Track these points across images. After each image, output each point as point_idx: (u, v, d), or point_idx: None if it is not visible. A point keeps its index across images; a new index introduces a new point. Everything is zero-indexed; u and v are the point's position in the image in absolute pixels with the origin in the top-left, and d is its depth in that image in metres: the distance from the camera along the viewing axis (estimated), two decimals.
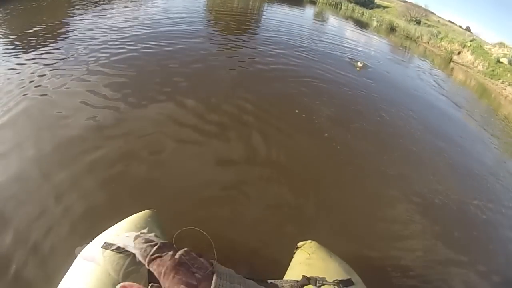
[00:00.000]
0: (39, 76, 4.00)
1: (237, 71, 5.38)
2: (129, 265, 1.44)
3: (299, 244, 1.92)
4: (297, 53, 7.02)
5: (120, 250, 1.44)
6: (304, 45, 8.11)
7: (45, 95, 3.63)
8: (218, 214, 2.55)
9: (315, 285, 1.41)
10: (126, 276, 1.40)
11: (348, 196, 3.16)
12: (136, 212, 1.80)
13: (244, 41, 7.28)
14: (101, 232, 1.65)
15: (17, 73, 4.06)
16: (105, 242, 1.50)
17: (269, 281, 1.48)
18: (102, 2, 8.71)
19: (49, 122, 3.21)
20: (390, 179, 3.59)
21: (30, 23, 5.99)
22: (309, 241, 1.89)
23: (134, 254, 1.40)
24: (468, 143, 5.57)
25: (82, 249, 1.58)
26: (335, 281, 1.43)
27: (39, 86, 3.78)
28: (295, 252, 1.88)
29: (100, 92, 3.81)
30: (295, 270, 1.71)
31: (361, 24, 17.68)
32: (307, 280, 1.43)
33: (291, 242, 1.94)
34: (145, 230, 1.54)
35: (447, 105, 7.54)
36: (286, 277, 1.64)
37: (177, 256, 1.14)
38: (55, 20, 6.57)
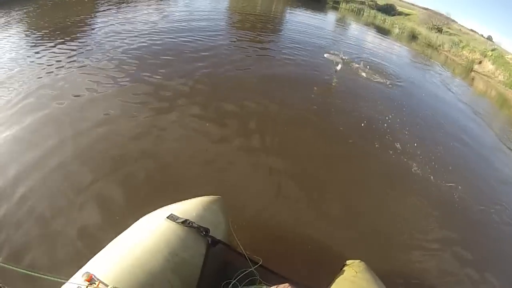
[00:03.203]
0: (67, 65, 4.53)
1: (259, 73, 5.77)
2: (189, 238, 1.54)
3: (348, 262, 2.00)
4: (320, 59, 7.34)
5: (185, 224, 1.55)
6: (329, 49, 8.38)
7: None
8: (280, 218, 2.75)
9: None
10: (186, 248, 1.50)
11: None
12: (204, 195, 1.92)
13: (265, 42, 7.69)
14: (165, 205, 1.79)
15: (40, 62, 4.61)
16: (171, 214, 1.60)
17: None
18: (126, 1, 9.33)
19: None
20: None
21: (58, 17, 6.60)
22: (358, 260, 1.98)
23: (196, 229, 1.55)
24: (487, 152, 5.75)
25: (145, 215, 1.71)
26: None
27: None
28: (342, 268, 1.95)
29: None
30: (339, 284, 1.77)
31: (383, 31, 17.81)
32: None
33: (339, 257, 2.08)
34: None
35: (466, 113, 7.70)
36: None
37: None
38: (85, 15, 7.23)
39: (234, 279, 1.56)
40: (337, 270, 1.96)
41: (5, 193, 2.47)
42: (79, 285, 1.18)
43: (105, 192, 2.62)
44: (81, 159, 2.92)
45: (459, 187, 3.93)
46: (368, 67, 7.83)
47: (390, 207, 3.32)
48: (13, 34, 5.71)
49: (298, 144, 3.91)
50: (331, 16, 17.83)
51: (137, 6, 9.05)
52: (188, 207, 1.72)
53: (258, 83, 5.29)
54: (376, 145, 4.30)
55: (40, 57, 4.80)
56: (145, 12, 8.50)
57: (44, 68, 4.44)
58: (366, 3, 23.34)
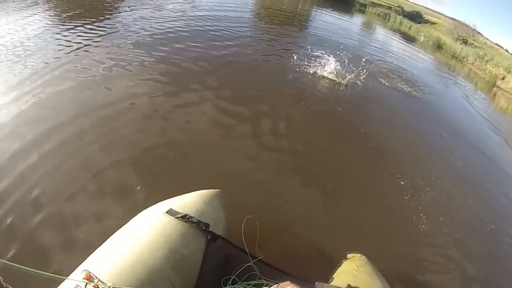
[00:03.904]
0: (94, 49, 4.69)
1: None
2: (189, 233, 1.52)
3: (348, 255, 1.99)
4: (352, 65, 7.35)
5: (185, 219, 1.52)
6: (356, 53, 8.44)
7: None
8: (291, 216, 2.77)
9: None
10: (185, 244, 1.47)
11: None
12: (204, 189, 1.89)
13: (290, 37, 7.84)
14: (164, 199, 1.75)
15: (67, 39, 4.85)
16: (170, 209, 1.57)
17: (316, 283, 1.53)
18: None
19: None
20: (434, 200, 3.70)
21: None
22: (359, 254, 1.97)
23: (196, 224, 1.53)
24: (503, 170, 5.73)
25: (144, 210, 1.68)
26: None
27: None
28: (343, 262, 1.96)
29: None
30: (340, 278, 1.76)
31: (408, 38, 17.72)
32: None
33: (340, 252, 2.09)
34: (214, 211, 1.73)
35: (486, 129, 7.69)
36: (330, 283, 1.70)
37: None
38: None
39: (234, 274, 1.57)
40: (338, 263, 1.97)
41: (28, 154, 2.65)
42: (78, 283, 1.17)
43: (118, 175, 2.68)
44: (98, 131, 3.07)
45: (472, 202, 3.95)
46: (392, 73, 7.90)
47: (400, 212, 3.34)
48: (40, 12, 5.97)
49: (318, 139, 4.06)
50: (357, 19, 17.84)
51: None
52: (188, 201, 1.71)
53: (282, 76, 5.44)
54: (396, 151, 4.40)
55: (67, 36, 5.03)
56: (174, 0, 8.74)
57: (70, 46, 4.67)
58: (393, 9, 23.17)
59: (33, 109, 3.23)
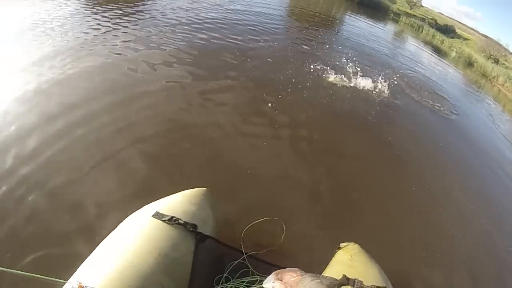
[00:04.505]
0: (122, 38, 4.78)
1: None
2: (177, 236, 1.50)
3: (341, 245, 1.98)
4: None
5: (172, 221, 1.51)
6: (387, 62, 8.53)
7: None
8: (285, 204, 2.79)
9: (353, 286, 1.43)
10: (174, 247, 1.46)
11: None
12: (189, 188, 1.87)
13: (323, 39, 7.97)
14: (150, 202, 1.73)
15: (104, 23, 5.05)
16: (157, 212, 1.55)
17: (310, 274, 1.58)
18: None
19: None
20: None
21: None
22: (352, 243, 1.96)
23: (183, 226, 1.52)
24: None
25: (131, 214, 1.65)
26: (372, 286, 1.45)
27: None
28: (336, 252, 1.95)
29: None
30: (335, 269, 1.76)
31: (439, 52, 17.49)
32: (346, 280, 1.45)
33: (333, 242, 2.07)
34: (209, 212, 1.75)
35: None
36: (324, 274, 1.64)
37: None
38: None
39: (225, 272, 1.57)
40: (331, 254, 1.97)
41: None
42: None
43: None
44: (126, 109, 3.21)
45: (493, 225, 3.93)
46: (422, 85, 7.95)
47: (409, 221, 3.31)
48: None
49: (344, 142, 4.17)
50: (390, 28, 17.79)
51: None
52: (174, 203, 1.70)
53: (314, 77, 5.58)
54: (422, 165, 4.43)
55: (105, 17, 5.29)
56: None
57: (108, 27, 4.93)
58: (426, 21, 22.88)
59: (66, 80, 3.45)
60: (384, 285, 1.59)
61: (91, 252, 1.44)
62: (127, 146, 2.78)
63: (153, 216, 1.52)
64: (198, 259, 1.52)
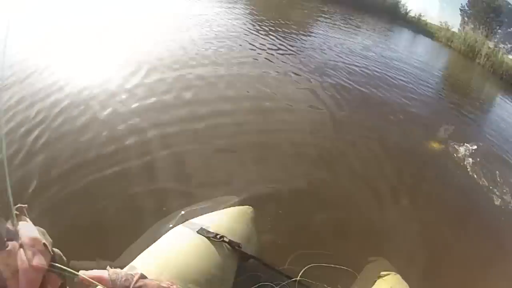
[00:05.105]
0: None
1: None
2: (221, 253, 1.49)
3: (382, 273, 1.91)
4: None
5: (216, 238, 1.49)
6: None
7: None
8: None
9: None
10: (217, 265, 1.45)
11: None
12: (234, 206, 1.89)
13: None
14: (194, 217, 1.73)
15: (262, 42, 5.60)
16: (201, 228, 1.54)
17: None
18: (349, 24, 9.78)
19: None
20: None
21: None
22: (393, 273, 1.90)
23: (227, 244, 1.51)
24: None
25: (174, 228, 1.64)
26: None
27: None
28: (375, 281, 1.88)
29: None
30: None
31: None
32: None
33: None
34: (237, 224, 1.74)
35: None
36: None
37: None
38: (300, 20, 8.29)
39: None
40: (371, 282, 1.88)
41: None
42: None
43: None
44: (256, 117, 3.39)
45: None
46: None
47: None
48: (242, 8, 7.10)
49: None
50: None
51: (353, 32, 9.40)
52: (219, 220, 1.71)
53: None
54: None
55: (261, 35, 5.90)
56: (359, 40, 8.65)
57: (263, 45, 5.41)
58: None
59: (230, 77, 3.95)
60: None
61: (133, 259, 1.39)
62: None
63: (197, 231, 1.52)
64: (240, 279, 1.54)
